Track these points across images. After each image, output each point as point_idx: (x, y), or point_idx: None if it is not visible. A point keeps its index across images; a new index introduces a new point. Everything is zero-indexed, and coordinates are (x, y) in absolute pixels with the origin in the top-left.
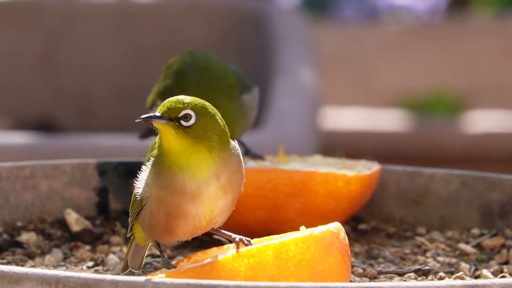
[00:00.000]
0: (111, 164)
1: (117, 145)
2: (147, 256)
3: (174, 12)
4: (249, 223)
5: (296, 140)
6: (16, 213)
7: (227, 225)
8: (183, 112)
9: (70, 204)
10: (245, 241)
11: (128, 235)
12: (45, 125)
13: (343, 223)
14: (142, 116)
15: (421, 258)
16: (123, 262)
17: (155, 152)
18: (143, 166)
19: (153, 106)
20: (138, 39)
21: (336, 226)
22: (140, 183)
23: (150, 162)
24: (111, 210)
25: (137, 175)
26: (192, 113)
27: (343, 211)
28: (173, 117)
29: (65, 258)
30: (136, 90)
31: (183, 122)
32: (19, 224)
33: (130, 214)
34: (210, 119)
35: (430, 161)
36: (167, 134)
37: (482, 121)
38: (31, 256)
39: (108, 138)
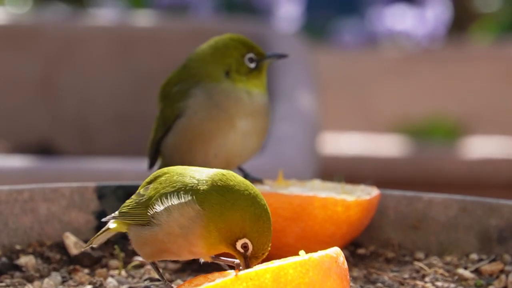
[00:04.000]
0: (110, 187)
1: (115, 169)
2: (145, 280)
3: (173, 37)
4: None
5: (295, 165)
6: (15, 236)
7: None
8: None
9: (69, 228)
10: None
11: (103, 219)
12: (44, 149)
13: (342, 248)
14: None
15: (419, 283)
16: (89, 241)
17: (201, 191)
18: (180, 193)
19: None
20: (137, 64)
21: (335, 251)
22: (162, 205)
23: (188, 197)
24: None
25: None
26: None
27: (342, 236)
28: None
29: (64, 281)
30: (134, 114)
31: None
32: (18, 247)
33: (123, 212)
34: None
35: (428, 186)
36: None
37: (481, 147)
38: (30, 280)
39: (107, 162)
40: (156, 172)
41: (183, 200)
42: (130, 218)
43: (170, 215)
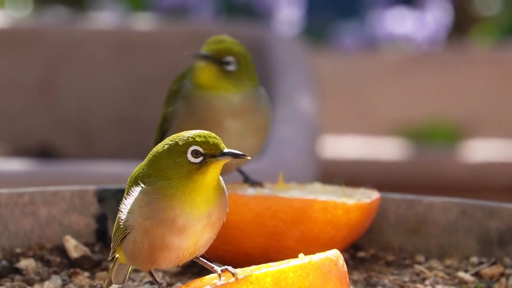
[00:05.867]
0: (110, 191)
1: (116, 172)
2: (145, 283)
3: (173, 41)
4: (248, 250)
5: (296, 168)
6: (15, 239)
7: (227, 252)
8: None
9: (69, 231)
10: (229, 270)
11: (109, 258)
12: (44, 152)
13: (342, 251)
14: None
15: (420, 286)
16: (106, 279)
17: (147, 179)
18: (130, 191)
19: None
20: (137, 67)
21: (334, 254)
22: (125, 209)
23: (140, 189)
24: (110, 237)
25: (123, 201)
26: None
27: (342, 239)
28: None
29: (64, 284)
30: (134, 117)
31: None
32: (18, 250)
33: (112, 240)
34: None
35: (428, 189)
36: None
37: (481, 150)
38: (30, 283)
39: (107, 165)
40: None
41: (134, 195)
42: (116, 239)
43: (133, 214)
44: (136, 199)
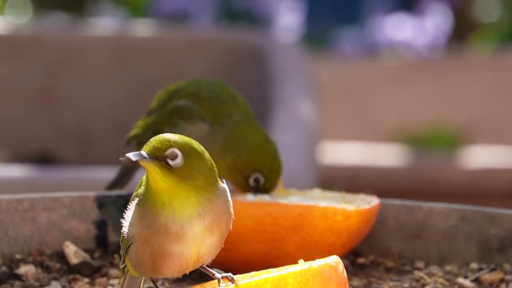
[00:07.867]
0: (110, 197)
1: None
2: None
3: (173, 46)
4: (248, 256)
5: (295, 174)
6: (15, 245)
7: (226, 259)
8: (169, 151)
9: (69, 237)
10: (229, 277)
11: (121, 266)
12: (44, 158)
13: (342, 257)
14: (128, 154)
15: None
16: None
17: (140, 190)
18: (129, 205)
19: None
20: (137, 74)
21: (334, 260)
22: (126, 222)
23: (136, 201)
24: (109, 243)
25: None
26: (178, 152)
27: (342, 245)
28: (159, 156)
29: None
30: (134, 123)
31: (169, 161)
32: (17, 256)
33: (121, 248)
34: (197, 158)
35: (428, 196)
36: (153, 173)
37: (481, 156)
38: None
39: (107, 171)
40: None
41: (131, 207)
42: (122, 249)
43: (133, 226)
44: (134, 211)
